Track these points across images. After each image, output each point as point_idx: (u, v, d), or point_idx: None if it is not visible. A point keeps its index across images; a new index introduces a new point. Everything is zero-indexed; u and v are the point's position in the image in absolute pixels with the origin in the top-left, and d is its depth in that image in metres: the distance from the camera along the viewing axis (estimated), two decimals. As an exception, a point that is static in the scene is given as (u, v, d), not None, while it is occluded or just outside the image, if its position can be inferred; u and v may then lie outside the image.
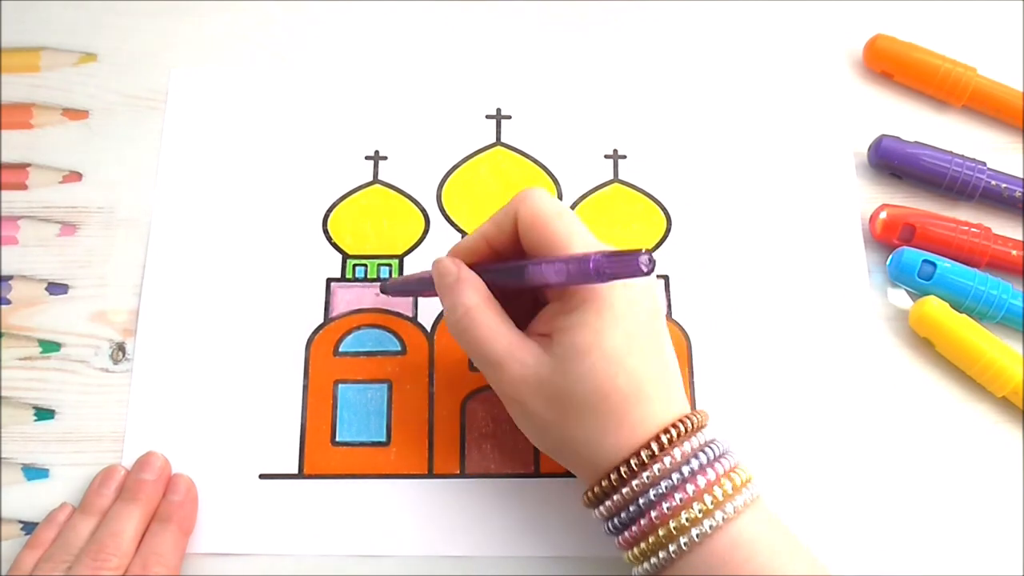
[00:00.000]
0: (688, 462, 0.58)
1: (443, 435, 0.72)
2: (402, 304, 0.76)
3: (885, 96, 0.83)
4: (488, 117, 0.82)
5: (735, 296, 0.76)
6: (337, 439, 0.72)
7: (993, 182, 0.77)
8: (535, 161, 0.80)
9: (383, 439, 0.72)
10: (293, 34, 0.85)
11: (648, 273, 0.53)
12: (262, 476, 0.71)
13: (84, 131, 0.82)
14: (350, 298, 0.76)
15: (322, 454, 0.71)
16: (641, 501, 0.58)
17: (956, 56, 0.82)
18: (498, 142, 0.81)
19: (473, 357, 0.64)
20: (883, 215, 0.76)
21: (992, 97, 0.81)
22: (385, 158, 0.81)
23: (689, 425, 0.59)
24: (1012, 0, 0.86)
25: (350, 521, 0.70)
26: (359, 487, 0.70)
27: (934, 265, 0.74)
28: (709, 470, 0.58)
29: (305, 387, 0.73)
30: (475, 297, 0.63)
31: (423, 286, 0.70)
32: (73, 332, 0.76)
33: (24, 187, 0.80)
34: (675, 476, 0.58)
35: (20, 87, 0.83)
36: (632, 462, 0.58)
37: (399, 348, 0.74)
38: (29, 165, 0.80)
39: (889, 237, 0.76)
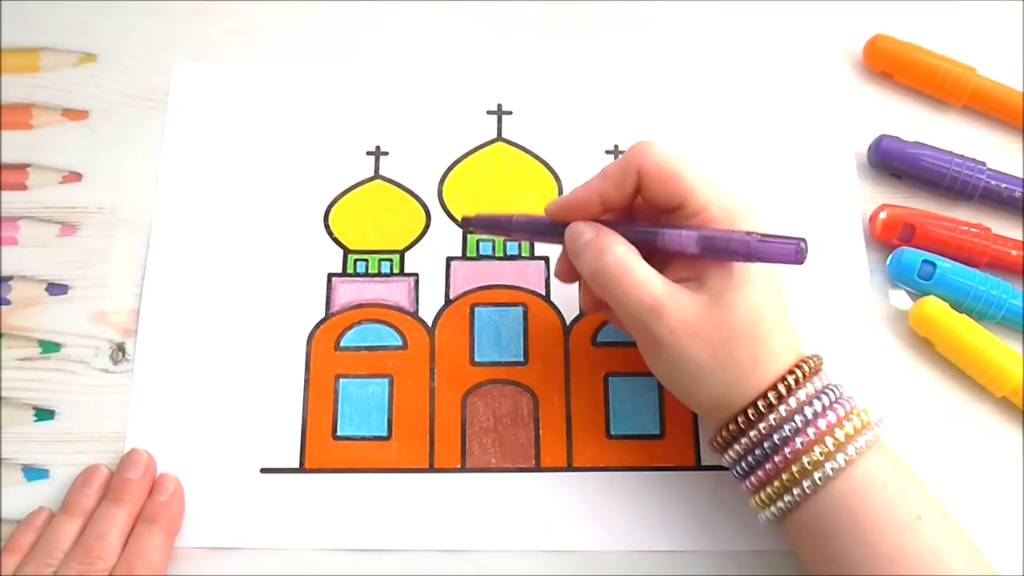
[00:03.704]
0: (811, 404, 0.60)
1: (444, 429, 0.72)
2: (403, 299, 0.76)
3: (885, 96, 0.83)
4: (489, 113, 0.82)
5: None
6: (338, 433, 0.72)
7: (993, 182, 0.77)
8: (536, 157, 0.81)
9: (384, 433, 0.72)
10: (294, 33, 0.85)
11: (802, 261, 0.56)
12: (263, 470, 0.71)
13: (84, 131, 0.82)
14: (351, 293, 0.76)
15: (323, 448, 0.71)
16: (766, 444, 0.60)
17: (956, 56, 0.82)
18: (499, 138, 0.81)
19: (626, 307, 0.62)
20: (883, 215, 0.76)
21: (992, 97, 0.81)
22: (386, 153, 0.81)
23: (808, 368, 0.61)
24: (1012, 0, 0.86)
25: (351, 515, 0.70)
26: (360, 481, 0.71)
27: (934, 265, 0.74)
28: (830, 412, 0.60)
29: (306, 382, 0.73)
30: (623, 246, 0.63)
31: (519, 227, 0.70)
32: (73, 332, 0.76)
33: (24, 187, 0.80)
34: (803, 415, 0.60)
35: (20, 87, 0.83)
36: (759, 404, 0.60)
37: (400, 343, 0.74)
38: (29, 165, 0.80)
39: (889, 237, 0.76)
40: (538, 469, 0.71)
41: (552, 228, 0.67)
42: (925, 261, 0.74)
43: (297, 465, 0.71)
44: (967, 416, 0.73)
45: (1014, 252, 0.76)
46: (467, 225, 0.74)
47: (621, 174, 0.64)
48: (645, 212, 0.66)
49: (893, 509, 0.58)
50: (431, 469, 0.71)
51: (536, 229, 0.69)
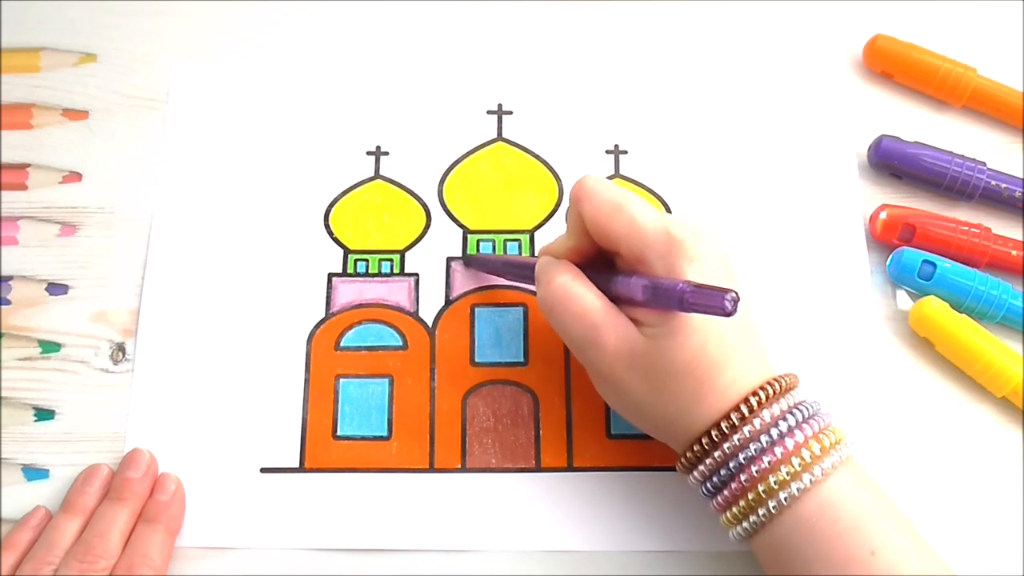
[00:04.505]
0: (776, 424, 0.59)
1: (444, 430, 0.72)
2: (403, 299, 0.76)
3: (885, 96, 0.83)
4: (489, 113, 0.82)
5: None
6: (338, 433, 0.72)
7: (993, 182, 0.77)
8: (536, 157, 0.81)
9: (384, 433, 0.72)
10: (294, 33, 0.85)
11: (731, 314, 0.54)
12: (263, 470, 0.71)
13: (84, 131, 0.82)
14: (351, 293, 0.76)
15: (323, 448, 0.71)
16: (732, 464, 0.60)
17: (956, 56, 0.82)
18: (499, 137, 0.81)
19: (568, 334, 0.64)
20: (883, 215, 0.76)
21: (992, 97, 0.81)
22: (387, 153, 0.81)
23: (777, 387, 0.61)
24: (1012, 0, 0.86)
25: (351, 515, 0.70)
26: (360, 481, 0.71)
27: (934, 265, 0.74)
28: (797, 432, 0.59)
29: (306, 382, 0.73)
30: (569, 274, 0.64)
31: (507, 268, 0.73)
32: (73, 332, 0.76)
33: (24, 187, 0.80)
34: (763, 439, 0.59)
35: (20, 87, 0.83)
36: (723, 425, 0.60)
37: (400, 343, 0.74)
38: (29, 165, 0.80)
39: (889, 237, 0.76)
40: (538, 469, 0.71)
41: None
42: (925, 261, 0.74)
43: (297, 465, 0.71)
44: (967, 416, 0.73)
45: (1014, 252, 0.76)
46: (466, 262, 0.77)
47: (574, 219, 0.66)
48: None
49: (843, 546, 0.57)
50: (431, 469, 0.71)
51: (524, 268, 0.71)
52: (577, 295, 0.63)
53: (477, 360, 0.74)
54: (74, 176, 0.80)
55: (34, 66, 0.84)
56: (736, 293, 0.54)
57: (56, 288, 0.77)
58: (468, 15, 0.86)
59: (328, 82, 0.84)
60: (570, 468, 0.71)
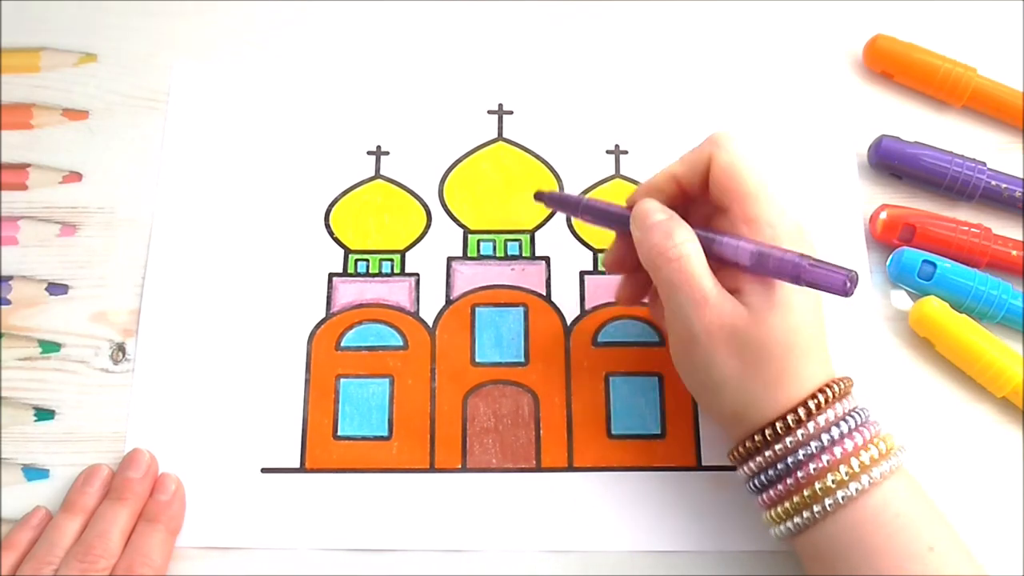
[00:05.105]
0: (838, 424, 0.60)
1: (445, 430, 0.72)
2: (404, 299, 0.76)
3: (885, 96, 0.83)
4: (490, 112, 0.82)
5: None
6: (339, 433, 0.72)
7: (993, 182, 0.77)
8: (537, 156, 0.81)
9: (385, 433, 0.72)
10: (294, 33, 0.85)
11: (847, 294, 0.55)
12: (264, 470, 0.71)
13: (84, 131, 0.82)
14: (352, 293, 0.76)
15: (324, 448, 0.71)
16: (789, 460, 0.60)
17: (956, 56, 0.82)
18: (500, 137, 0.81)
19: (675, 295, 0.62)
20: (883, 215, 0.76)
21: (992, 97, 0.81)
22: (387, 153, 0.81)
23: (840, 388, 0.61)
24: (1012, 0, 0.86)
25: (351, 515, 0.70)
26: (360, 481, 0.71)
27: (934, 265, 0.74)
28: (856, 435, 0.60)
29: (307, 382, 0.73)
30: (691, 234, 0.63)
31: (587, 212, 0.71)
32: (73, 332, 0.76)
33: (24, 187, 0.80)
34: (824, 437, 0.59)
35: (20, 87, 0.83)
36: (788, 418, 0.60)
37: (401, 343, 0.74)
38: (29, 165, 0.80)
39: (889, 237, 0.76)
40: (539, 469, 0.71)
41: (617, 216, 0.68)
42: (925, 261, 0.74)
43: (298, 465, 0.71)
44: (967, 416, 0.73)
45: (1014, 252, 0.76)
46: (538, 198, 0.74)
47: (695, 160, 0.64)
48: (699, 209, 0.66)
49: (904, 540, 0.58)
50: (431, 469, 0.71)
51: (602, 213, 0.70)
52: (694, 257, 0.62)
53: (477, 360, 0.74)
54: (74, 176, 0.80)
55: (34, 66, 0.84)
56: (856, 274, 0.55)
57: (56, 288, 0.77)
58: (468, 15, 0.86)
59: (328, 82, 0.84)
60: (570, 468, 0.71)
